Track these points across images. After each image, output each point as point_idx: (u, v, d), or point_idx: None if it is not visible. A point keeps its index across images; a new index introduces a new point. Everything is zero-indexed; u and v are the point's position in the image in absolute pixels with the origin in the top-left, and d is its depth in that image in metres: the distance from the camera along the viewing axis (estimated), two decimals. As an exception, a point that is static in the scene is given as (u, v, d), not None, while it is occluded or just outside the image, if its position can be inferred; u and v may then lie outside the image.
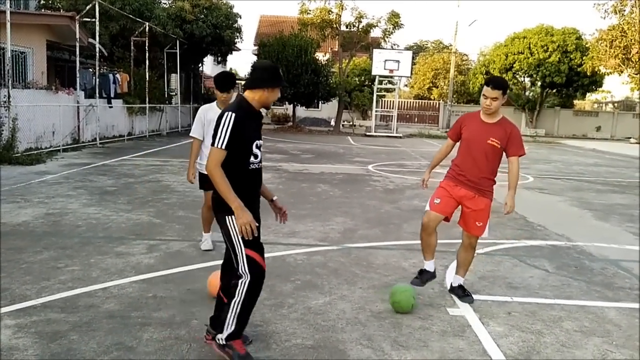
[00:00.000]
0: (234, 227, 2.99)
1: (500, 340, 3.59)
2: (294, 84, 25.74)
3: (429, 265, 4.28)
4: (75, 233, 5.87)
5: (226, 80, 4.79)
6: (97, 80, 16.25)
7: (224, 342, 3.05)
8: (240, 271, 3.03)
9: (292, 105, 28.87)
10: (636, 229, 7.39)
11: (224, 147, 2.92)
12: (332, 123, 30.70)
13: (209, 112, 4.94)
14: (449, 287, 4.45)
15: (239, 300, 3.02)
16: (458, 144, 4.26)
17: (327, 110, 33.91)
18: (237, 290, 3.02)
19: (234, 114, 2.94)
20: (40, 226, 6.08)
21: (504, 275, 5.01)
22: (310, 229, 6.54)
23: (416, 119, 38.37)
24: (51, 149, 13.26)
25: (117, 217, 6.66)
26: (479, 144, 4.04)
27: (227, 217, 3.00)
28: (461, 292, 4.29)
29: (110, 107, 17.43)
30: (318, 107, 33.23)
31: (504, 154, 4.09)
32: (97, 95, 16.05)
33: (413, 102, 41.17)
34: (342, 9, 27.71)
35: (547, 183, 11.91)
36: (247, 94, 3.09)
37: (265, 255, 5.33)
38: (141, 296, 4.09)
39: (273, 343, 3.41)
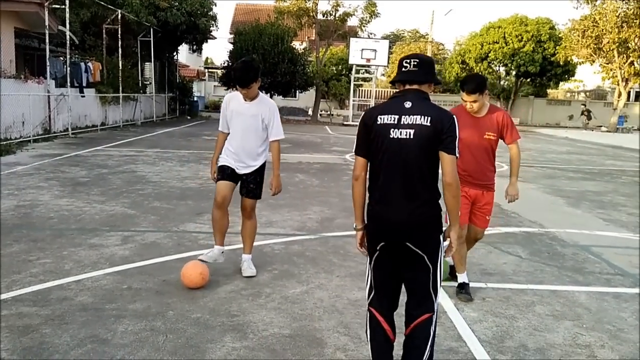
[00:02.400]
0: (441, 254, 2.67)
1: (474, 326, 3.65)
2: (271, 73, 25.52)
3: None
4: (47, 225, 5.74)
5: (244, 73, 4.09)
6: (68, 69, 15.85)
7: None
8: (434, 305, 2.69)
9: (269, 94, 28.67)
10: (606, 215, 7.57)
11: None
12: (310, 112, 30.63)
13: (231, 101, 4.32)
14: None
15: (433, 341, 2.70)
16: None
17: (305, 99, 33.81)
18: (432, 329, 2.68)
19: None
20: (10, 218, 5.94)
21: (478, 261, 5.09)
22: (287, 218, 6.52)
23: (393, 108, 38.51)
24: (21, 139, 12.92)
25: (90, 209, 6.54)
26: (477, 142, 4.02)
27: (440, 237, 2.67)
28: (469, 289, 4.23)
29: (83, 96, 17.05)
30: (295, 97, 33.13)
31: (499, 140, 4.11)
32: (69, 84, 15.66)
33: (390, 92, 41.30)
34: (318, -3, 27.56)
35: (521, 171, 12.00)
36: None
37: (242, 245, 5.29)
38: (116, 288, 4.04)
39: (250, 333, 3.40)
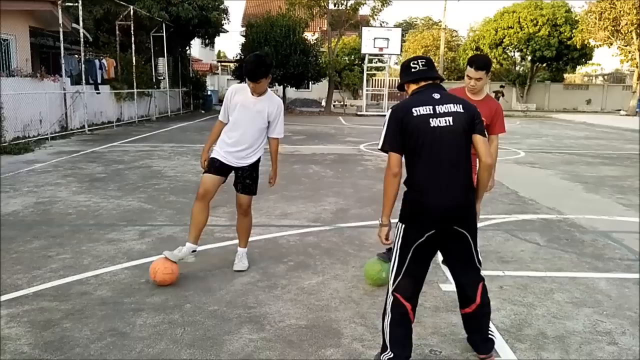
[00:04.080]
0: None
1: (492, 314, 3.61)
2: (283, 64, 25.51)
3: None
4: (66, 221, 5.83)
5: (255, 67, 3.99)
6: (83, 66, 16.00)
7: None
8: (482, 275, 2.94)
9: (281, 86, 28.66)
10: (626, 200, 7.44)
11: None
12: (323, 103, 30.55)
13: (237, 93, 4.20)
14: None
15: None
16: None
17: (318, 90, 33.71)
18: (486, 291, 2.94)
19: None
20: (30, 215, 6.03)
21: (495, 249, 5.04)
22: (302, 210, 6.53)
23: (407, 97, 38.23)
24: (39, 137, 13.10)
25: (107, 204, 6.62)
26: None
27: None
28: None
29: (98, 93, 17.22)
30: (308, 88, 33.02)
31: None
32: (84, 81, 15.83)
33: (403, 80, 40.93)
34: (329, -14, 27.38)
35: (538, 157, 11.95)
36: None
37: (258, 237, 5.35)
38: (134, 282, 4.08)
39: (267, 324, 3.42)
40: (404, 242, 2.78)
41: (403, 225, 2.79)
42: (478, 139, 2.75)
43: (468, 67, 4.02)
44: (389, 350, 2.78)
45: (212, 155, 4.26)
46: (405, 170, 2.78)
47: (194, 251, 4.20)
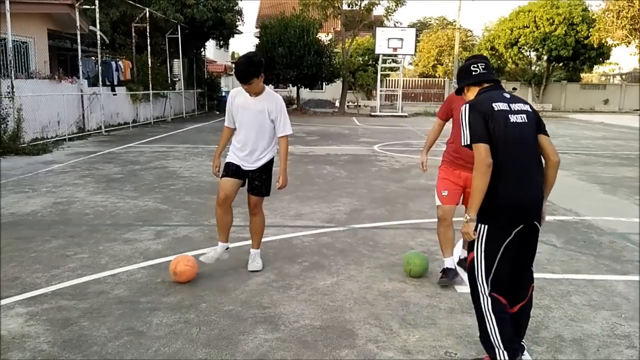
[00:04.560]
0: None
1: (508, 316, 3.59)
2: (297, 65, 25.57)
3: (449, 262, 4.17)
4: (83, 221, 5.91)
5: (244, 68, 3.95)
6: (100, 68, 16.20)
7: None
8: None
9: (295, 87, 28.70)
10: (645, 202, 7.34)
11: None
12: (337, 104, 30.53)
13: (237, 96, 4.22)
14: (457, 261, 4.43)
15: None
16: (450, 123, 4.19)
17: (331, 91, 33.72)
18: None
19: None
20: (48, 215, 6.13)
21: (511, 251, 4.99)
22: (316, 210, 6.54)
23: (421, 98, 38.13)
24: (57, 138, 13.30)
25: (124, 204, 6.69)
26: None
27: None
28: (465, 263, 4.26)
29: (114, 94, 17.42)
30: (322, 89, 33.07)
31: None
32: (100, 83, 16.03)
33: (418, 81, 40.85)
34: (343, -13, 27.35)
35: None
36: None
37: (272, 237, 5.38)
38: (150, 281, 4.13)
39: (282, 324, 3.43)
40: (491, 244, 2.79)
41: (486, 226, 2.78)
42: (545, 138, 2.85)
43: None
44: (502, 349, 2.75)
45: (228, 160, 4.28)
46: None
47: (227, 248, 4.35)
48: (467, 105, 2.82)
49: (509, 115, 2.76)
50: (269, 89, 4.25)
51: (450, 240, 4.17)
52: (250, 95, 4.12)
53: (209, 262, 4.21)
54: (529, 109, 2.85)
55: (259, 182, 4.30)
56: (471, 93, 3.01)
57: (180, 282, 4.04)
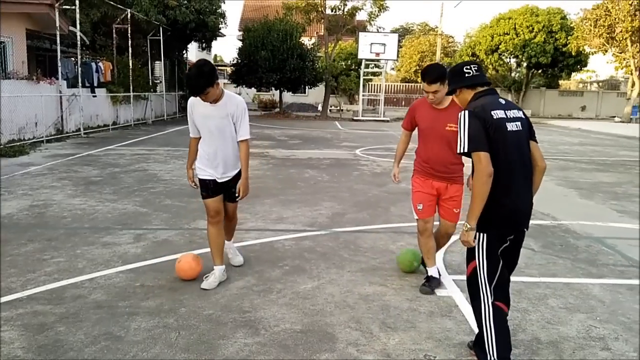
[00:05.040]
0: None
1: (486, 319, 3.63)
2: (280, 69, 25.55)
3: (433, 271, 4.17)
4: (61, 224, 5.81)
5: (195, 81, 3.76)
6: (80, 69, 15.98)
7: None
8: None
9: (278, 90, 28.68)
10: (619, 207, 7.48)
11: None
12: (319, 108, 30.58)
13: (196, 105, 4.02)
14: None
15: None
16: (417, 133, 4.17)
17: (314, 95, 33.77)
18: None
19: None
20: (24, 218, 6.02)
21: (490, 255, 5.05)
22: (298, 214, 6.53)
23: (403, 103, 38.36)
24: (34, 140, 13.07)
25: (102, 208, 6.61)
26: (438, 133, 3.93)
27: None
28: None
29: (94, 96, 17.19)
30: (305, 93, 33.04)
31: None
32: (80, 84, 15.81)
33: (400, 86, 41.12)
34: (327, -8, 27.44)
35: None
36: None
37: (254, 241, 5.36)
38: (129, 286, 4.08)
39: (262, 328, 3.42)
40: (491, 252, 2.80)
41: (486, 235, 2.79)
42: (534, 144, 2.90)
43: (422, 81, 3.91)
44: (495, 356, 2.75)
45: (201, 177, 4.14)
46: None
47: (224, 271, 4.25)
48: (467, 112, 2.77)
49: (507, 123, 2.76)
50: (228, 92, 4.08)
51: (433, 249, 4.18)
52: (210, 103, 3.94)
53: (211, 287, 4.05)
54: (522, 116, 2.88)
55: (235, 189, 4.20)
56: (464, 95, 2.96)
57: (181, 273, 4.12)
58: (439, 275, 4.24)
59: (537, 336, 3.42)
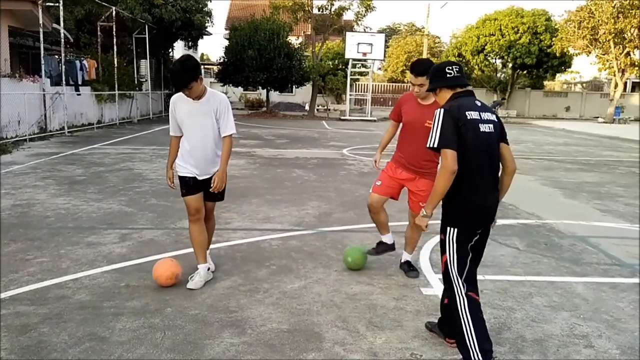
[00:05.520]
0: None
1: (472, 318, 3.65)
2: (267, 68, 25.49)
3: (386, 238, 4.51)
4: (44, 224, 5.73)
5: (179, 75, 3.79)
6: (63, 67, 15.78)
7: None
8: None
9: (265, 90, 28.61)
10: (603, 206, 7.59)
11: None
12: (307, 107, 30.56)
13: (179, 102, 3.99)
14: (401, 262, 4.60)
15: None
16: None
17: (301, 94, 33.74)
18: None
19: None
20: (7, 218, 5.92)
21: (476, 254, 5.09)
22: (285, 213, 6.52)
23: (390, 102, 38.48)
24: (17, 138, 12.87)
25: (87, 207, 6.53)
26: (418, 127, 4.07)
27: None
28: (407, 267, 4.51)
29: (78, 94, 16.99)
30: (292, 92, 33.04)
31: None
32: (64, 82, 15.61)
33: (387, 86, 41.28)
34: (314, -9, 27.42)
35: (519, 163, 11.98)
36: None
37: (240, 241, 5.34)
38: (114, 286, 4.03)
39: (248, 328, 3.40)
40: (460, 245, 2.95)
41: (456, 229, 2.94)
42: (505, 146, 3.03)
43: (410, 73, 4.11)
44: (477, 351, 2.82)
45: (181, 174, 4.06)
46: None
47: (208, 269, 4.23)
48: (443, 110, 2.92)
49: (480, 125, 2.90)
50: (211, 89, 4.07)
51: (383, 222, 4.47)
52: (193, 100, 3.92)
53: (197, 287, 4.01)
54: (495, 119, 3.01)
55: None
56: (443, 94, 3.07)
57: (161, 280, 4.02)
58: (392, 242, 4.54)
59: (522, 334, 3.45)
